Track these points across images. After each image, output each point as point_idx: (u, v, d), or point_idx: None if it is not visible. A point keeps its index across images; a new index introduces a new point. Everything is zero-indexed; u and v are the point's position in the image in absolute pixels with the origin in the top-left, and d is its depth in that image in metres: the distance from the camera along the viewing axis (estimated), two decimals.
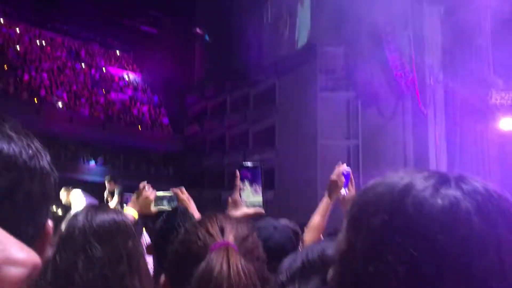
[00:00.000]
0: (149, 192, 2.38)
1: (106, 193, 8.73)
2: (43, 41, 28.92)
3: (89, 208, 1.66)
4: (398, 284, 0.55)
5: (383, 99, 17.34)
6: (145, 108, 28.67)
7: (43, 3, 27.34)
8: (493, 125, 12.84)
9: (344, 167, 2.31)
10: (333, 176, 2.30)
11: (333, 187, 2.29)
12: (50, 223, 0.65)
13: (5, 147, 0.57)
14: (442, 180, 0.58)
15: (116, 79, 30.21)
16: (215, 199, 19.03)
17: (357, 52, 17.90)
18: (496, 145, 13.28)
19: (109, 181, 8.69)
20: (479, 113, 13.40)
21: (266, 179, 20.34)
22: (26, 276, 0.48)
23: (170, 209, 2.19)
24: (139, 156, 25.64)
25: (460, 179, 0.58)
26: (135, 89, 30.29)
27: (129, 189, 8.66)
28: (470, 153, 13.44)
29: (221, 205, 1.93)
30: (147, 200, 2.35)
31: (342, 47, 18.48)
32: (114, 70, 30.90)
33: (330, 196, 2.30)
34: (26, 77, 24.05)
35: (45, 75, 25.42)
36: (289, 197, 17.73)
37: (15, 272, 0.47)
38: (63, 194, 7.91)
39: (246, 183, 1.75)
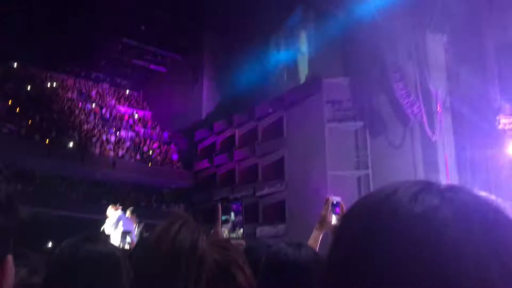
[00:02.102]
0: None
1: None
2: (54, 83, 29.56)
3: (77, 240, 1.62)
4: None
5: (391, 128, 17.35)
6: (155, 145, 28.89)
7: (53, 47, 28.05)
8: (503, 150, 12.72)
9: (333, 198, 2.32)
10: (322, 211, 2.31)
11: (322, 220, 2.31)
12: (9, 258, 0.63)
13: None
14: (425, 187, 0.56)
15: (126, 117, 30.60)
16: None
17: (363, 82, 18.05)
18: (507, 170, 13.10)
19: (132, 214, 9.11)
20: (489, 138, 13.28)
21: (278, 212, 20.10)
22: None
23: None
24: (150, 193, 25.67)
25: (448, 188, 0.56)
26: (145, 126, 30.63)
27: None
28: (481, 179, 13.26)
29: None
30: None
31: (348, 78, 18.65)
32: (124, 109, 31.36)
33: (319, 228, 2.32)
34: (37, 118, 24.48)
35: (56, 116, 25.87)
36: (300, 229, 17.48)
37: None
38: (110, 210, 8.57)
39: (232, 215, 1.83)
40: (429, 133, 15.52)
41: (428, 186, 0.56)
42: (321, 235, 2.31)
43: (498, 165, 13.07)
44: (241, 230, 1.84)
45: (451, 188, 0.56)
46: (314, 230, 2.32)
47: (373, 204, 0.56)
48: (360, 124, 18.48)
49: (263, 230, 20.98)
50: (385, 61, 16.41)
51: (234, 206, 1.90)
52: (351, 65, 17.90)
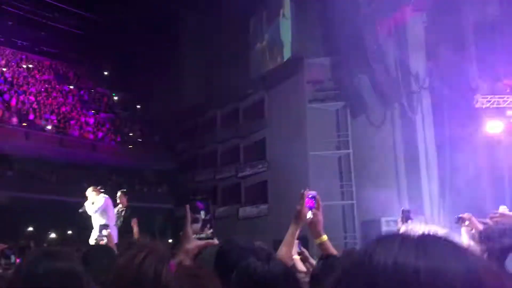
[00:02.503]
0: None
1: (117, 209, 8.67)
2: (30, 65, 28.90)
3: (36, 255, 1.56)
4: None
5: (371, 107, 17.46)
6: (135, 127, 28.62)
7: (29, 27, 27.37)
8: (481, 128, 12.93)
9: (309, 192, 2.33)
10: (298, 206, 2.31)
11: (298, 215, 2.31)
12: None
13: None
14: (387, 238, 0.61)
15: (105, 99, 30.19)
16: None
17: (344, 63, 18.05)
18: (484, 147, 13.36)
19: (124, 194, 8.77)
20: (466, 117, 13.47)
21: (260, 192, 20.20)
22: None
23: None
24: (132, 175, 25.51)
25: (410, 239, 0.59)
26: (125, 108, 30.27)
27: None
28: (459, 156, 13.50)
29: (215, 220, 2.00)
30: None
31: (328, 58, 18.64)
32: (103, 90, 30.90)
33: (295, 223, 2.32)
34: (14, 101, 23.96)
35: (33, 98, 25.36)
36: (283, 210, 17.65)
37: None
38: (90, 193, 8.06)
39: (202, 213, 1.85)
40: (409, 112, 15.68)
41: (390, 238, 0.60)
42: (298, 230, 2.32)
43: (476, 143, 13.32)
44: (211, 229, 1.86)
45: (413, 240, 0.59)
46: (291, 225, 2.32)
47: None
48: (341, 104, 18.55)
49: (245, 211, 21.13)
50: (365, 40, 16.41)
51: (199, 205, 1.92)
52: (333, 45, 17.86)
